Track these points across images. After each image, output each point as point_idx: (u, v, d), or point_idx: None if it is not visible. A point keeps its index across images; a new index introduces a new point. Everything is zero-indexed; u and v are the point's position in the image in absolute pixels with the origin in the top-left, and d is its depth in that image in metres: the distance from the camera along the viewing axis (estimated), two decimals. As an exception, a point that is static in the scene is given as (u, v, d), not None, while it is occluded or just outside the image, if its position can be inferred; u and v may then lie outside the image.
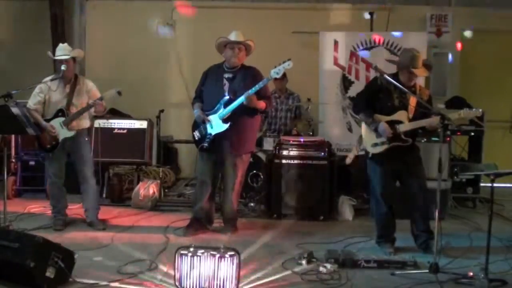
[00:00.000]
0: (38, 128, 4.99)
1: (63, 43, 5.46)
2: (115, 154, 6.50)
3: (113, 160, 6.57)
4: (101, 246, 4.71)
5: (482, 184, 6.63)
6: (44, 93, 5.15)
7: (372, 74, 6.86)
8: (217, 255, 3.61)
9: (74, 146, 5.23)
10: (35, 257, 3.56)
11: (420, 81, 6.77)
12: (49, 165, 5.24)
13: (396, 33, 7.18)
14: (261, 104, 5.04)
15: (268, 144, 6.45)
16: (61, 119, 5.13)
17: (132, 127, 6.68)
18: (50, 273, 3.62)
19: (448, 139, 6.38)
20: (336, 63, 7.21)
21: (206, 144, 5.08)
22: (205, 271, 3.60)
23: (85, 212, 5.42)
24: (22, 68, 7.84)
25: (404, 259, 4.35)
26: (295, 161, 5.93)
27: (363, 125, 4.82)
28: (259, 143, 6.43)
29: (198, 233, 5.18)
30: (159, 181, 6.58)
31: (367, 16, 7.68)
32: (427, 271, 4.05)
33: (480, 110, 4.49)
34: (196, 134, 5.19)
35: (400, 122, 4.62)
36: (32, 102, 5.17)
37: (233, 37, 5.09)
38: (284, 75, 6.00)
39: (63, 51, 5.18)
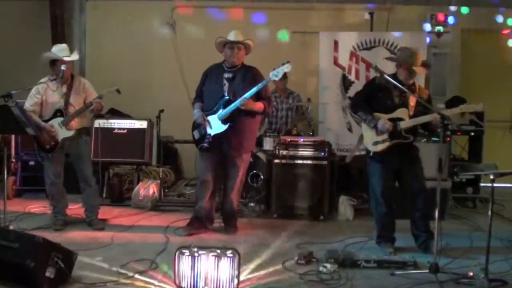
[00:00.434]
0: (37, 129, 4.99)
1: (63, 43, 5.46)
2: (115, 154, 6.49)
3: (113, 160, 6.57)
4: (101, 246, 4.71)
5: (482, 184, 6.62)
6: (41, 94, 5.14)
7: (372, 74, 6.86)
8: (217, 255, 3.61)
9: (73, 145, 5.23)
10: (35, 257, 3.56)
11: (420, 81, 6.82)
12: (49, 166, 5.23)
13: (396, 33, 7.19)
14: (258, 106, 5.04)
15: (268, 144, 6.45)
16: (60, 119, 5.13)
17: (132, 127, 6.68)
18: (50, 273, 3.62)
19: (448, 139, 6.39)
20: (336, 63, 7.22)
21: (205, 144, 5.08)
22: (205, 271, 3.60)
23: (85, 212, 5.43)
24: (22, 68, 7.83)
25: (404, 259, 4.35)
26: (295, 161, 5.93)
27: (363, 124, 4.82)
28: (259, 143, 6.43)
29: (198, 233, 5.18)
30: (159, 181, 6.58)
31: (367, 16, 7.68)
32: (427, 271, 4.05)
33: (481, 104, 4.47)
34: (196, 134, 5.19)
35: (400, 119, 4.63)
36: (29, 103, 5.15)
37: (232, 36, 5.10)
38: (285, 74, 6.00)
39: (67, 52, 5.17)
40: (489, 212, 3.92)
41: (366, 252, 4.57)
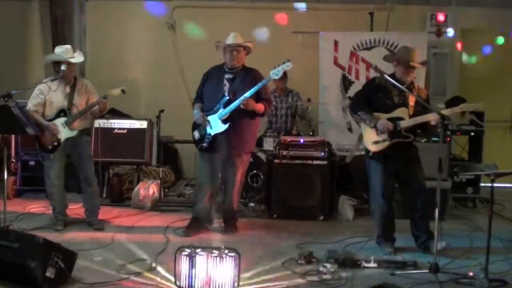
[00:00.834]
0: (39, 129, 5.00)
1: (63, 43, 5.46)
2: (115, 154, 6.50)
3: (113, 160, 6.57)
4: (101, 246, 4.71)
5: (482, 184, 6.63)
6: (44, 94, 5.15)
7: (372, 74, 6.86)
8: (217, 255, 3.61)
9: (75, 146, 5.23)
10: (35, 257, 3.56)
11: (420, 81, 6.83)
12: (50, 166, 5.22)
13: (396, 33, 7.20)
14: (259, 107, 5.05)
15: (268, 144, 6.45)
16: (63, 119, 5.13)
17: (132, 127, 6.68)
18: (50, 273, 3.62)
19: (448, 139, 6.39)
20: (336, 63, 7.22)
21: (205, 144, 5.08)
22: (205, 271, 3.60)
23: (85, 212, 5.44)
24: (22, 68, 7.84)
25: (404, 259, 4.35)
26: (295, 161, 5.93)
27: (362, 124, 4.81)
28: (259, 143, 6.43)
29: (198, 233, 5.18)
30: (159, 181, 6.58)
31: (367, 16, 7.67)
32: (427, 271, 4.06)
33: (481, 103, 4.45)
34: (196, 134, 5.19)
35: (400, 119, 4.63)
36: (32, 103, 5.16)
37: (230, 39, 5.10)
38: (285, 74, 5.99)
39: (71, 53, 5.17)
40: (489, 212, 3.92)
41: (366, 252, 4.57)
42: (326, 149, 5.98)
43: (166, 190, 6.91)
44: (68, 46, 5.27)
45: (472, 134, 6.92)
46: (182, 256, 3.63)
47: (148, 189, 6.32)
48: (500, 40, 7.87)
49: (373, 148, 4.71)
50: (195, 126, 5.21)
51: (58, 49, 5.22)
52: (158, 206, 6.29)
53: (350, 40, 7.19)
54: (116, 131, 6.64)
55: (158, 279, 3.93)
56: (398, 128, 4.60)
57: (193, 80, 6.80)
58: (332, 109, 7.18)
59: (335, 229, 5.55)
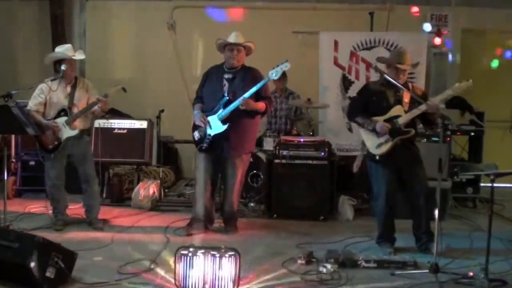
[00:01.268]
0: (39, 129, 5.00)
1: (63, 43, 5.46)
2: (115, 154, 6.50)
3: (113, 160, 6.57)
4: (101, 246, 4.71)
5: (482, 184, 6.62)
6: (45, 94, 5.15)
7: (372, 74, 6.87)
8: (217, 255, 3.61)
9: (76, 145, 5.23)
10: (35, 257, 3.56)
11: (420, 81, 6.83)
12: (51, 167, 5.22)
13: (396, 33, 7.19)
14: (260, 106, 5.05)
15: (268, 144, 6.45)
16: (64, 118, 5.14)
17: (132, 127, 6.68)
18: (50, 273, 3.62)
19: (448, 139, 6.39)
20: (336, 63, 7.21)
21: (205, 145, 5.09)
22: (205, 271, 3.60)
23: (85, 212, 5.44)
24: (22, 68, 7.84)
25: (404, 259, 4.35)
26: (295, 161, 5.93)
27: (362, 130, 4.83)
28: (259, 143, 6.43)
29: (198, 233, 5.18)
30: (159, 181, 6.58)
31: (367, 16, 7.67)
32: (427, 271, 4.06)
33: (470, 80, 4.49)
34: (196, 134, 5.19)
35: (397, 117, 4.68)
36: (33, 103, 5.16)
37: (232, 38, 5.10)
38: (284, 74, 6.00)
39: (72, 52, 5.18)
40: (489, 212, 3.92)
41: (366, 252, 4.57)
42: (326, 149, 5.98)
43: (166, 190, 6.91)
44: (69, 45, 5.29)
45: (472, 134, 6.92)
46: (182, 256, 3.63)
47: (148, 189, 6.32)
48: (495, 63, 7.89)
49: (377, 151, 4.72)
50: (195, 127, 5.21)
51: (59, 49, 5.23)
52: (158, 206, 6.29)
53: (350, 40, 7.19)
54: (116, 131, 6.64)
55: (158, 279, 3.92)
56: (397, 125, 4.64)
57: (193, 80, 6.84)
58: (332, 109, 7.16)
59: (335, 229, 5.55)
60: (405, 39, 7.05)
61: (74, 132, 5.16)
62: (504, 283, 3.95)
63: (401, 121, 4.64)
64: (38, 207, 5.96)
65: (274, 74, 4.97)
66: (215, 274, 3.60)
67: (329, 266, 4.15)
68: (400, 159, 4.70)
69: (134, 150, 6.59)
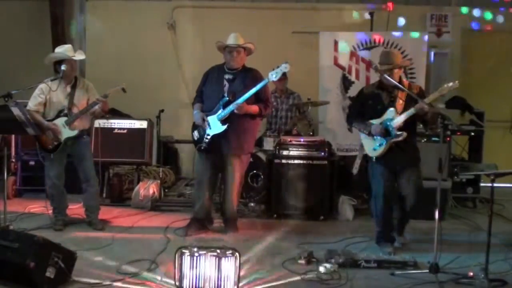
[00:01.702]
0: (39, 129, 5.00)
1: (63, 43, 5.46)
2: (115, 154, 6.49)
3: (113, 160, 6.57)
4: (101, 246, 4.71)
5: (482, 184, 6.62)
6: (45, 94, 5.15)
7: (372, 74, 6.86)
8: (217, 255, 3.61)
9: (76, 146, 5.24)
10: (35, 257, 3.56)
11: (420, 81, 6.82)
12: (50, 167, 5.23)
13: (396, 33, 7.18)
14: (253, 109, 5.04)
15: (268, 144, 6.44)
16: (64, 118, 5.14)
17: (132, 127, 6.68)
18: (50, 273, 3.63)
19: (448, 139, 6.39)
20: (336, 63, 7.21)
21: (204, 145, 5.09)
22: (205, 271, 3.61)
23: (85, 212, 5.44)
24: (22, 68, 7.83)
25: (404, 259, 4.35)
26: (295, 161, 5.93)
27: (360, 133, 4.96)
28: (259, 143, 6.43)
29: (198, 233, 5.18)
30: (159, 181, 6.58)
31: (367, 16, 7.67)
32: (427, 271, 4.06)
33: (456, 82, 4.51)
34: (195, 134, 5.20)
35: (391, 119, 4.73)
36: (33, 103, 5.16)
37: (231, 40, 5.10)
38: (285, 75, 6.00)
39: (72, 52, 5.18)
40: (489, 212, 3.92)
41: (366, 252, 4.57)
42: (326, 149, 5.98)
43: (166, 190, 6.91)
44: (69, 46, 5.29)
45: (472, 134, 6.92)
46: (182, 256, 3.63)
47: (148, 189, 6.32)
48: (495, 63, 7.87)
49: (374, 154, 4.81)
50: (195, 127, 5.21)
51: (59, 49, 5.23)
52: (158, 206, 6.29)
53: (350, 40, 7.18)
54: (116, 131, 6.64)
55: (158, 279, 3.93)
56: (390, 128, 4.70)
57: (193, 80, 6.83)
58: (332, 109, 7.16)
59: (335, 229, 5.55)
60: (405, 39, 7.04)
61: (73, 133, 5.16)
62: (504, 283, 3.96)
63: (394, 124, 4.69)
64: (38, 207, 5.96)
65: (274, 76, 4.98)
66: (215, 274, 3.60)
67: (329, 266, 4.15)
68: (397, 160, 4.75)
69: (134, 150, 6.59)
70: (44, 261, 3.61)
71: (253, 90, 4.94)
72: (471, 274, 3.99)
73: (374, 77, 6.80)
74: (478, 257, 4.37)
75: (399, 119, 4.67)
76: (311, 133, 6.81)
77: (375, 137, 4.77)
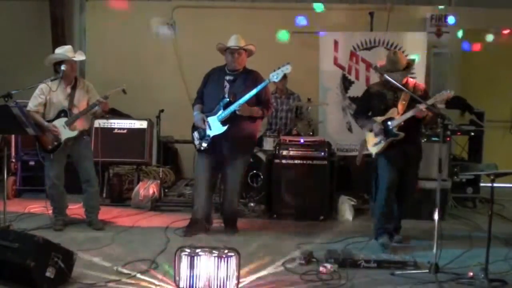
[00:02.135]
0: (39, 129, 5.00)
1: (63, 43, 5.46)
2: (115, 154, 6.49)
3: (113, 160, 6.57)
4: (101, 246, 4.71)
5: (482, 184, 6.63)
6: (45, 94, 5.15)
7: (372, 74, 6.86)
8: (217, 255, 3.61)
9: (76, 146, 5.24)
10: (35, 257, 3.56)
11: (420, 81, 6.81)
12: (50, 167, 5.22)
13: (396, 33, 7.20)
14: (255, 111, 5.05)
15: (268, 144, 6.44)
16: (64, 119, 5.14)
17: (132, 127, 6.68)
18: (50, 273, 3.62)
19: (448, 139, 6.40)
20: (336, 63, 7.21)
21: (205, 146, 5.09)
22: (205, 271, 3.60)
23: (85, 212, 5.44)
24: (22, 68, 7.83)
25: (404, 259, 4.35)
26: (295, 161, 5.93)
27: (364, 130, 5.11)
28: (259, 143, 6.42)
29: (198, 233, 5.18)
30: (159, 181, 6.58)
31: (367, 16, 7.67)
32: (427, 271, 4.06)
33: (452, 91, 4.62)
34: (195, 135, 5.20)
35: (393, 119, 4.85)
36: (33, 104, 5.16)
37: (232, 42, 5.10)
38: (284, 75, 6.00)
39: (72, 53, 5.19)
40: (489, 212, 3.92)
41: (366, 252, 4.57)
42: (326, 149, 5.99)
43: (166, 190, 6.91)
44: (69, 46, 5.29)
45: (472, 134, 6.93)
46: (182, 256, 3.63)
47: (148, 189, 6.32)
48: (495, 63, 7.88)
49: (374, 150, 4.94)
50: (195, 127, 5.21)
51: (59, 50, 5.23)
52: (158, 206, 6.29)
53: (350, 40, 7.18)
54: (116, 131, 6.64)
55: (158, 279, 3.93)
56: (390, 127, 4.82)
57: (193, 80, 6.80)
58: (332, 109, 7.16)
59: (335, 229, 5.55)
60: (405, 39, 7.04)
61: (74, 133, 5.16)
62: (504, 283, 3.96)
63: (393, 124, 4.81)
64: (38, 207, 5.96)
65: (275, 77, 4.98)
66: (215, 274, 3.60)
67: (329, 266, 4.15)
68: (403, 157, 4.87)
69: (134, 150, 6.59)
70: (44, 261, 3.61)
71: (254, 91, 4.94)
72: (471, 274, 3.98)
73: (374, 77, 6.81)
74: (478, 257, 4.37)
75: (399, 120, 4.78)
76: (311, 133, 6.81)
77: (376, 136, 4.89)
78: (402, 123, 4.76)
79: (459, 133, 6.90)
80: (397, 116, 4.80)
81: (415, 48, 6.94)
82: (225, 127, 5.00)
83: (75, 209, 5.71)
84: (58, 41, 7.45)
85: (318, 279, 4.02)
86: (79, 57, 5.24)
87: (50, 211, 5.33)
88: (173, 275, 3.72)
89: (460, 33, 7.91)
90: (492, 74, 7.87)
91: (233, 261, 3.61)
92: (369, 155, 5.06)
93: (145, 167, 6.94)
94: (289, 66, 4.96)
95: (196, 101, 5.33)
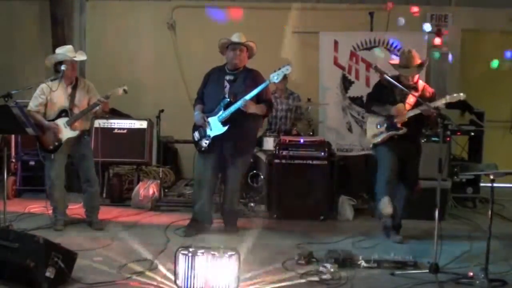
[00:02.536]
0: (40, 130, 5.00)
1: (63, 43, 5.46)
2: (115, 154, 6.49)
3: (113, 160, 6.57)
4: (101, 246, 4.71)
5: (482, 184, 6.63)
6: (46, 94, 5.15)
7: (372, 73, 6.86)
8: (217, 255, 3.61)
9: (77, 146, 5.24)
10: (35, 257, 3.56)
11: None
12: (51, 167, 5.22)
13: (396, 33, 7.20)
14: (260, 109, 5.06)
15: (268, 144, 6.44)
16: (65, 119, 5.14)
17: (132, 127, 6.68)
18: (50, 273, 3.62)
19: (448, 139, 6.40)
20: (336, 63, 7.21)
21: (205, 146, 5.09)
22: (205, 271, 3.60)
23: (85, 212, 5.44)
24: (22, 68, 7.83)
25: (404, 259, 4.35)
26: (295, 161, 5.93)
27: (368, 118, 5.22)
28: (259, 143, 6.42)
29: (198, 233, 5.18)
30: (159, 181, 6.58)
31: (367, 16, 7.67)
32: (427, 271, 4.06)
33: (464, 94, 4.76)
34: (196, 135, 5.20)
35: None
36: (34, 104, 5.16)
37: (235, 38, 5.11)
38: (285, 75, 5.99)
39: (73, 53, 5.19)
40: (489, 212, 3.92)
41: (366, 252, 4.57)
42: (326, 149, 5.99)
43: (166, 190, 6.91)
44: (70, 46, 5.29)
45: (472, 134, 6.92)
46: (182, 256, 3.63)
47: (148, 189, 6.32)
48: (495, 63, 7.88)
49: (373, 140, 5.09)
50: (196, 127, 5.21)
51: (60, 50, 5.24)
52: (158, 206, 6.29)
53: (350, 40, 7.18)
54: (116, 131, 6.64)
55: (158, 279, 3.92)
56: (394, 120, 4.95)
57: (193, 80, 6.81)
58: (332, 109, 7.16)
59: (335, 229, 5.56)
60: (405, 39, 7.04)
61: (74, 133, 5.16)
62: (504, 283, 3.96)
63: (397, 118, 4.93)
64: (38, 207, 5.96)
65: (275, 77, 4.99)
66: (215, 274, 3.59)
67: (329, 266, 4.15)
68: (404, 151, 4.99)
69: (134, 150, 6.60)
70: (44, 261, 3.60)
71: (254, 92, 4.94)
72: (471, 274, 3.99)
73: (374, 77, 6.81)
74: (478, 257, 4.37)
75: (404, 116, 4.90)
76: (311, 133, 6.81)
77: (378, 125, 5.04)
78: (406, 119, 4.87)
79: (459, 133, 6.89)
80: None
81: (415, 48, 6.92)
82: (226, 128, 5.00)
83: (75, 209, 5.71)
84: (58, 41, 7.45)
85: (318, 279, 4.02)
86: (80, 57, 5.25)
87: (50, 211, 5.33)
88: (173, 275, 3.72)
89: (460, 33, 7.90)
90: (492, 74, 7.87)
91: (233, 261, 3.61)
92: (369, 154, 5.14)
93: (145, 167, 6.94)
94: (289, 66, 4.97)
95: (196, 101, 5.33)
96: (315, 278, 4.04)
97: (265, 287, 3.87)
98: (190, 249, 3.65)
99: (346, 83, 7.19)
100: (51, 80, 5.14)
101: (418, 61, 5.01)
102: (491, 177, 3.98)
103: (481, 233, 5.26)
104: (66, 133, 5.14)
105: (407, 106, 4.93)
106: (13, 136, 6.55)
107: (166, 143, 7.60)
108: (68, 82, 5.20)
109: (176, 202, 6.54)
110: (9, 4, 8.22)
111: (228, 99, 5.03)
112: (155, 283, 3.86)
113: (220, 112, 5.03)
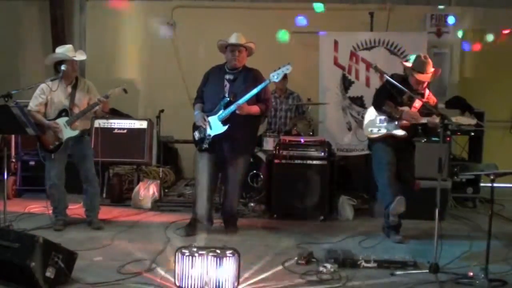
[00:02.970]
0: (40, 129, 5.00)
1: (62, 43, 5.46)
2: (115, 154, 6.49)
3: (113, 160, 6.57)
4: (101, 246, 4.71)
5: (482, 184, 6.63)
6: (46, 94, 5.15)
7: (372, 73, 6.87)
8: (217, 255, 3.61)
9: (77, 146, 5.24)
10: (35, 257, 3.56)
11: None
12: (51, 167, 5.22)
13: (396, 33, 7.20)
14: (254, 110, 5.05)
15: (268, 144, 6.44)
16: (65, 118, 5.14)
17: (132, 127, 6.68)
18: (50, 273, 3.62)
19: (448, 139, 6.40)
20: (336, 63, 7.21)
21: (205, 145, 5.09)
22: (205, 271, 3.60)
23: (85, 212, 5.44)
24: (22, 68, 7.84)
25: (404, 259, 4.35)
26: (295, 161, 5.93)
27: (369, 112, 5.23)
28: (259, 143, 6.43)
29: (198, 233, 5.18)
30: (159, 181, 6.58)
31: (367, 16, 7.67)
32: (427, 271, 4.06)
33: (476, 120, 4.86)
34: (196, 135, 5.20)
35: None
36: (34, 103, 5.16)
37: (233, 39, 5.11)
38: (285, 75, 6.00)
39: (73, 52, 5.19)
40: (489, 212, 3.92)
41: (366, 252, 4.57)
42: (326, 149, 5.99)
43: (166, 190, 6.91)
44: (70, 46, 5.29)
45: (472, 134, 6.92)
46: (182, 256, 3.63)
47: (148, 189, 6.32)
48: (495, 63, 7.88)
49: (367, 133, 5.18)
50: (196, 127, 5.21)
51: (60, 49, 5.23)
52: (158, 206, 6.29)
53: (350, 40, 7.18)
54: (116, 131, 6.64)
55: (158, 279, 3.92)
56: (396, 122, 4.95)
57: (193, 80, 6.81)
58: (332, 109, 7.16)
59: (335, 229, 5.55)
60: (405, 39, 7.04)
61: (75, 133, 5.16)
62: (504, 283, 3.95)
63: (404, 122, 4.94)
64: (38, 207, 5.96)
65: (275, 77, 4.99)
66: (215, 274, 3.60)
67: (329, 266, 4.15)
68: (399, 150, 5.01)
69: (134, 150, 6.60)
70: (44, 261, 3.60)
71: (254, 91, 4.94)
72: (471, 274, 3.98)
73: (374, 77, 6.83)
74: (478, 257, 4.37)
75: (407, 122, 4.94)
76: (311, 133, 6.81)
77: (379, 120, 5.07)
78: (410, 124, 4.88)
79: (459, 133, 6.90)
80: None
81: (415, 48, 6.93)
82: (226, 127, 5.00)
83: (75, 209, 5.71)
84: (58, 40, 7.46)
85: (318, 279, 4.02)
86: (80, 56, 5.25)
87: (50, 211, 5.33)
88: (173, 275, 3.72)
89: (460, 33, 7.91)
90: (492, 74, 7.87)
91: (233, 261, 3.61)
92: (369, 154, 5.11)
93: (145, 167, 6.95)
94: (289, 66, 4.97)
95: (196, 100, 5.33)
96: (315, 278, 4.04)
97: (265, 287, 3.87)
98: (190, 249, 3.65)
99: (346, 83, 7.20)
100: (51, 80, 5.14)
101: (432, 69, 4.97)
102: (491, 177, 3.98)
103: (481, 233, 5.26)
104: (67, 133, 5.15)
105: (413, 109, 4.93)
106: (13, 136, 6.55)
107: (166, 143, 7.60)
108: (68, 82, 5.20)
109: (176, 202, 6.54)
110: (9, 4, 8.22)
111: (228, 98, 5.03)
112: (155, 283, 3.86)
113: (220, 112, 5.02)
